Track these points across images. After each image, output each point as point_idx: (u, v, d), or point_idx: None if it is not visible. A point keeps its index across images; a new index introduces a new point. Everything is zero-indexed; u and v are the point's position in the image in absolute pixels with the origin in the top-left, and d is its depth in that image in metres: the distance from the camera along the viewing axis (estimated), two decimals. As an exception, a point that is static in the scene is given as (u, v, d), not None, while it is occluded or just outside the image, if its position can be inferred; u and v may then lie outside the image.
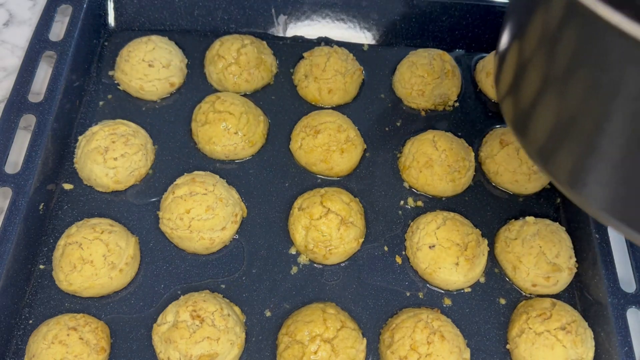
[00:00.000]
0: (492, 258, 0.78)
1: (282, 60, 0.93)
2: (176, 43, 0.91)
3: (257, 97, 0.89)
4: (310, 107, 0.89)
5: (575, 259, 0.76)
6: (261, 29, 0.95)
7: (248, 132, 0.82)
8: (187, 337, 0.65)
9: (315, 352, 0.66)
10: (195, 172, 0.79)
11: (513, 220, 0.80)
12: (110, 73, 0.89)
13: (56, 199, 0.78)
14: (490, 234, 0.79)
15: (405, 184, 0.83)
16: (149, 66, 0.86)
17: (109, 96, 0.87)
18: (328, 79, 0.87)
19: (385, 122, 0.88)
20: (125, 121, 0.82)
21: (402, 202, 0.81)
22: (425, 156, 0.81)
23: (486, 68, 0.92)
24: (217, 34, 0.93)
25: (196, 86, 0.90)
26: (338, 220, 0.74)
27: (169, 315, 0.68)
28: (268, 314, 0.72)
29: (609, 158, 0.41)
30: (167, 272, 0.74)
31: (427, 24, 0.95)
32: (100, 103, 0.87)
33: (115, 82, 0.88)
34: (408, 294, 0.75)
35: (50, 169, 0.78)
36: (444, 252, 0.73)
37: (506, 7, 0.51)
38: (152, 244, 0.76)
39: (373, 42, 0.96)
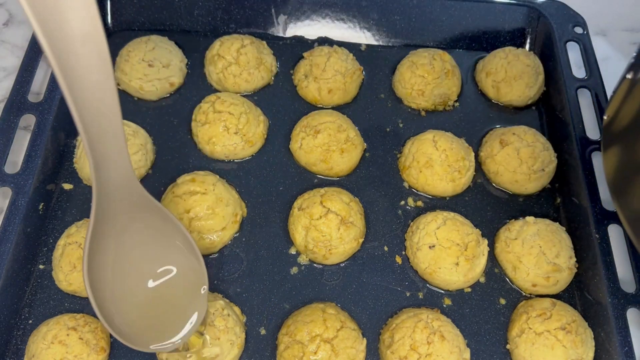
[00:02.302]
0: (492, 258, 0.78)
1: (282, 60, 0.93)
2: (176, 43, 0.91)
3: (257, 97, 0.89)
4: (310, 107, 0.89)
5: (575, 259, 0.75)
6: (261, 29, 0.95)
7: (248, 132, 0.82)
8: (187, 337, 0.65)
9: (315, 352, 0.66)
10: (195, 172, 0.78)
11: (513, 220, 0.80)
12: (110, 73, 0.89)
13: (56, 198, 0.78)
14: (490, 234, 0.79)
15: (405, 184, 0.83)
16: (149, 66, 0.86)
17: (109, 96, 0.87)
18: (328, 79, 0.87)
19: (385, 122, 0.88)
20: (125, 121, 0.82)
21: (402, 202, 0.81)
22: (425, 156, 0.81)
23: (486, 68, 0.91)
24: (217, 34, 0.93)
25: (196, 86, 0.90)
26: (338, 220, 0.74)
27: (168, 315, 0.68)
28: (268, 314, 0.72)
29: None
30: (167, 272, 0.74)
31: (427, 23, 0.95)
32: (100, 103, 0.86)
33: (115, 81, 0.87)
34: (408, 294, 0.75)
35: (50, 168, 0.78)
36: (444, 252, 0.73)
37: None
38: (152, 244, 0.76)
39: (373, 42, 0.96)
